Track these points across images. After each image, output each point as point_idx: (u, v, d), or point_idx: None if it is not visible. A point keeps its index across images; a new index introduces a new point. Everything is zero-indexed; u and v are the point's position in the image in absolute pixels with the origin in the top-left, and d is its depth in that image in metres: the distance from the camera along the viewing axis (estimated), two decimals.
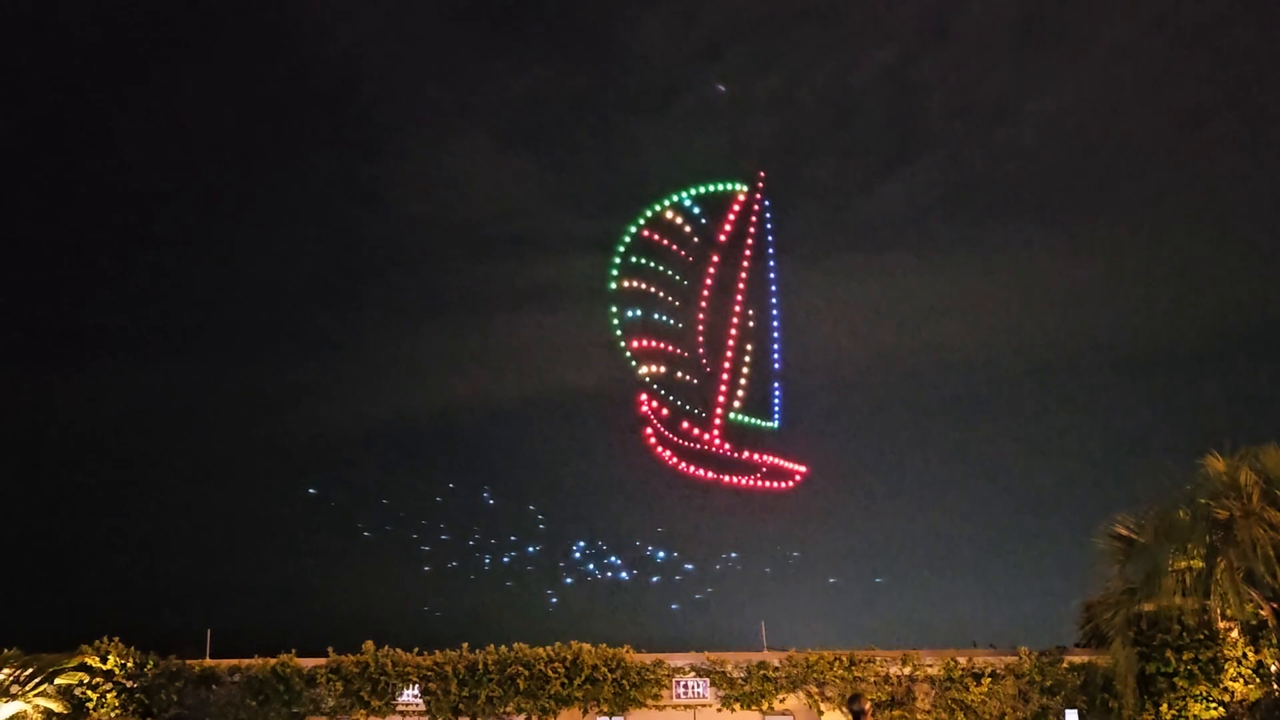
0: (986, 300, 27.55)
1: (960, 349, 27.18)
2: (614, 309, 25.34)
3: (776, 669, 17.05)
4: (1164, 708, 16.09)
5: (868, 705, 12.91)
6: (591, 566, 26.98)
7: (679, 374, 25.54)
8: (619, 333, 25.33)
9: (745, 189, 26.52)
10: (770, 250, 26.68)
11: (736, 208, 26.35)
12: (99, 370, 27.25)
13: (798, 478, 25.64)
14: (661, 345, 25.46)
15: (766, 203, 26.70)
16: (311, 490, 26.76)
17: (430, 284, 28.61)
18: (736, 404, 25.69)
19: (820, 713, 16.92)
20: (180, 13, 28.07)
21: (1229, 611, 14.93)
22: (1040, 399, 26.98)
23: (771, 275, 26.56)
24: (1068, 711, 15.04)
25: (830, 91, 29.44)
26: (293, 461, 27.05)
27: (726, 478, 25.37)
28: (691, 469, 25.23)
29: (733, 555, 26.67)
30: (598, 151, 29.56)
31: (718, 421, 25.51)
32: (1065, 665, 16.87)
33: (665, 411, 25.20)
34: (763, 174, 26.75)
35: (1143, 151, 27.74)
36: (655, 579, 26.93)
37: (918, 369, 27.15)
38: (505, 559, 27.00)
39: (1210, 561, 14.20)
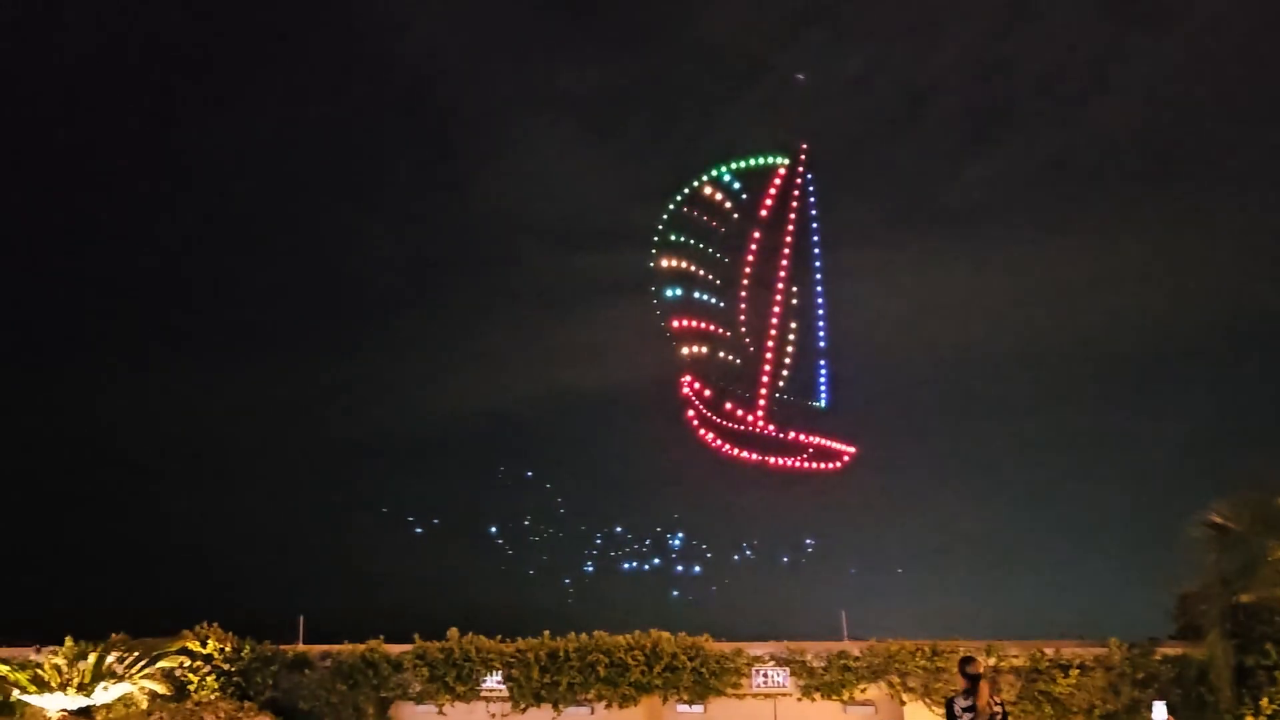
0: (1077, 285, 26.62)
1: (1045, 335, 26.40)
2: (654, 288, 24.96)
3: (857, 659, 16.88)
4: (1264, 702, 15.43)
5: (983, 669, 12.59)
6: (654, 559, 26.96)
7: (721, 354, 24.97)
8: (659, 312, 24.94)
9: (786, 162, 25.78)
10: (814, 225, 25.86)
11: (778, 182, 25.60)
12: (184, 367, 28.31)
13: (846, 458, 24.99)
14: (703, 325, 24.90)
15: (809, 176, 25.89)
16: (396, 483, 27.52)
17: (508, 279, 29.02)
18: (781, 384, 25.05)
19: (902, 703, 16.72)
20: (261, 18, 28.94)
21: None
22: (1137, 387, 25.98)
23: (816, 251, 25.73)
24: (1155, 703, 14.53)
25: (911, 73, 28.78)
26: (376, 455, 27.82)
27: (772, 459, 24.75)
28: (735, 451, 24.71)
29: (809, 542, 26.32)
30: (672, 142, 29.49)
31: (762, 402, 24.88)
32: (1158, 657, 16.35)
33: (708, 393, 24.71)
34: (805, 146, 25.97)
35: (1245, 121, 26.41)
36: (734, 561, 26.65)
37: (999, 357, 26.44)
38: (595, 550, 27.22)
39: None
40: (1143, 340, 25.40)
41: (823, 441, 25.04)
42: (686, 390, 24.78)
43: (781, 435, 24.99)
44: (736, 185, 25.59)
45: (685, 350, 24.88)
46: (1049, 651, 16.52)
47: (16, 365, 26.94)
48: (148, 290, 28.99)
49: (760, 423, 24.93)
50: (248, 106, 29.39)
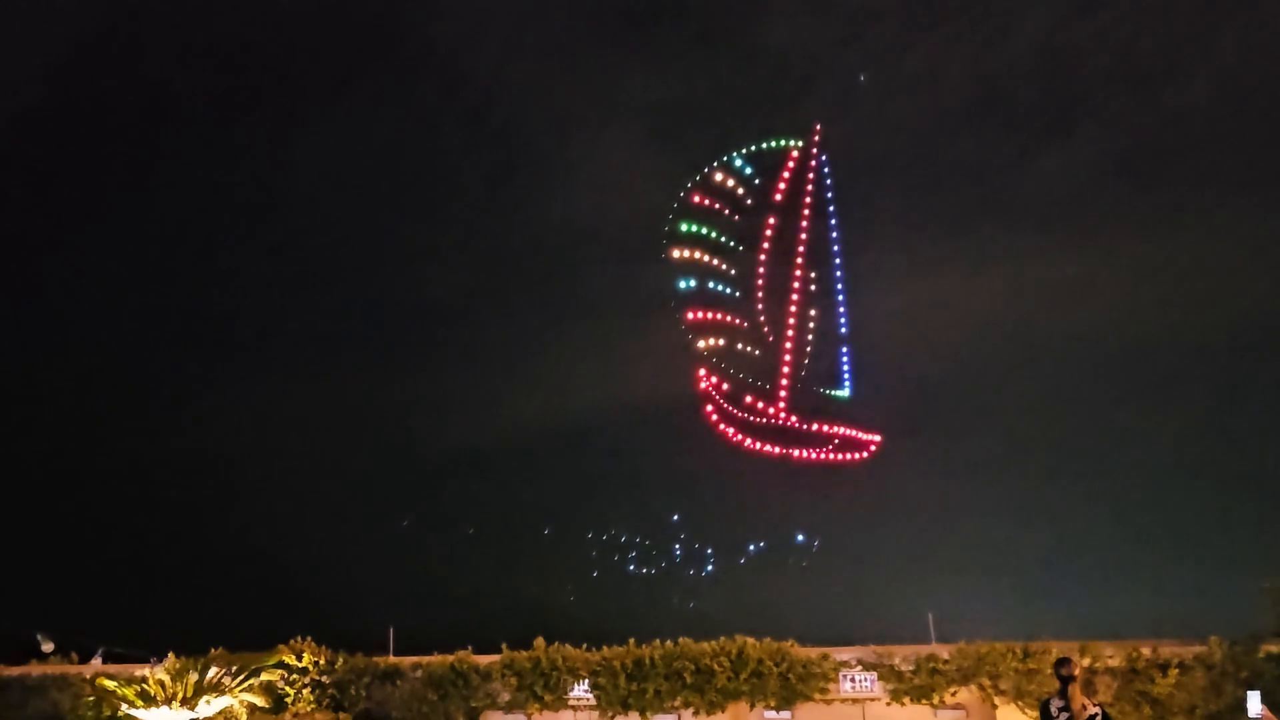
0: (1155, 272, 25.87)
1: (1122, 325, 25.66)
2: (666, 279, 24.29)
3: (946, 661, 16.64)
4: None
5: (1077, 671, 12.32)
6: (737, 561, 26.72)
7: (739, 345, 24.21)
8: (673, 304, 24.19)
9: (799, 144, 24.97)
10: (831, 208, 24.87)
11: (791, 164, 24.77)
12: (270, 388, 29.03)
13: (872, 448, 24.27)
14: (719, 316, 24.13)
15: (824, 158, 24.97)
16: (475, 496, 27.89)
17: (574, 289, 29.20)
18: (802, 374, 24.27)
19: (994, 706, 16.44)
20: (330, 45, 29.69)
21: None
22: (1229, 378, 25.10)
23: (834, 235, 24.70)
24: (1250, 692, 13.99)
25: (978, 65, 28.27)
26: (455, 470, 28.22)
27: (796, 452, 24.01)
28: (758, 445, 24.01)
29: (883, 541, 25.84)
30: (735, 148, 29.37)
31: (783, 393, 24.20)
32: (1261, 655, 15.84)
33: (726, 386, 23.95)
34: (818, 127, 25.08)
35: None
36: (805, 565, 26.30)
37: (1088, 347, 25.79)
38: (677, 557, 27.21)
39: None
40: (1238, 328, 24.60)
41: (847, 431, 24.25)
42: (704, 385, 24.07)
43: (805, 426, 24.28)
44: (749, 170, 24.73)
45: (701, 343, 24.10)
46: (1146, 651, 16.11)
47: (119, 392, 28.05)
48: (233, 315, 29.93)
49: (782, 414, 24.24)
50: (320, 130, 30.20)
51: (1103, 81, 27.54)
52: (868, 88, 27.68)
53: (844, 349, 24.74)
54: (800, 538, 25.96)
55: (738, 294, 24.51)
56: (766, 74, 28.38)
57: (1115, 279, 25.88)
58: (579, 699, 17.41)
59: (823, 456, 24.34)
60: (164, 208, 29.84)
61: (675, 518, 27.37)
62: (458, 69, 29.99)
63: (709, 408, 24.13)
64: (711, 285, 24.45)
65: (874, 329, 25.84)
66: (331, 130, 30.26)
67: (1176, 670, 15.81)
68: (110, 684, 16.25)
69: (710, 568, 26.87)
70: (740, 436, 24.19)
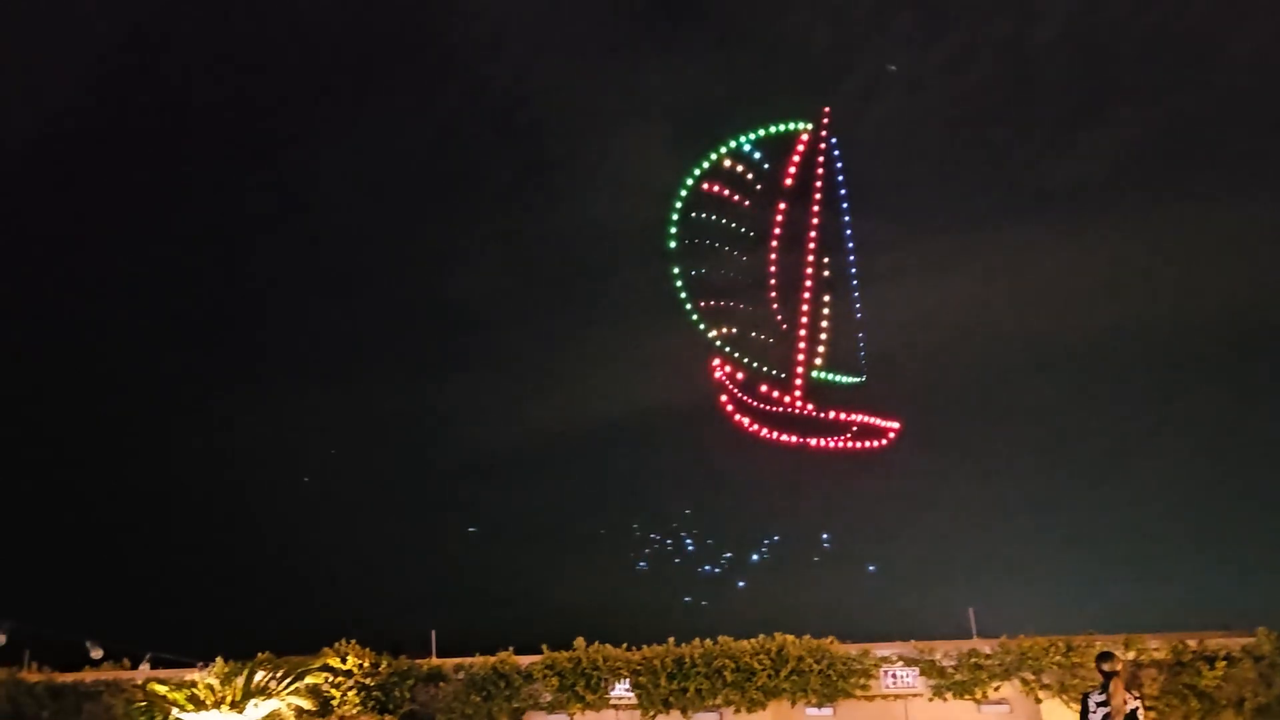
0: (1187, 258, 25.52)
1: (1166, 307, 25.30)
2: (676, 269, 24.17)
3: (988, 656, 16.57)
4: None
5: (1120, 666, 12.28)
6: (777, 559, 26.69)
7: (753, 333, 24.15)
8: (684, 294, 24.12)
9: (809, 128, 24.80)
10: (843, 192, 24.73)
11: (800, 148, 24.60)
12: (300, 391, 29.45)
13: (891, 434, 24.04)
14: (731, 303, 24.13)
15: (834, 140, 24.87)
16: (507, 498, 28.10)
17: (601, 290, 29.30)
18: (818, 360, 24.11)
19: (1038, 700, 16.35)
20: (353, 48, 29.99)
21: None
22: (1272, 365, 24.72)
23: (846, 219, 24.60)
24: None
25: (1011, 49, 27.93)
26: (488, 472, 28.45)
27: (813, 441, 23.88)
28: (774, 434, 23.90)
29: (918, 536, 25.69)
30: (786, 157, 29.21)
31: (799, 381, 24.01)
32: None
33: (740, 375, 23.89)
34: (828, 110, 24.95)
35: None
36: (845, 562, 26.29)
37: (1115, 329, 25.48)
38: (714, 553, 27.25)
39: None
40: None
41: (866, 418, 24.05)
42: (718, 374, 23.93)
43: (822, 414, 24.10)
44: (757, 155, 24.66)
45: (713, 332, 24.07)
46: (1192, 643, 15.94)
47: (157, 398, 28.51)
48: (262, 319, 30.33)
49: (799, 402, 24.05)
50: (345, 134, 30.49)
51: (1137, 60, 27.13)
52: (896, 77, 27.55)
53: (860, 335, 24.71)
54: (825, 536, 26.00)
55: (750, 281, 24.50)
56: (791, 68, 28.33)
57: (1167, 254, 25.51)
58: (620, 698, 17.50)
59: (841, 445, 24.20)
60: (191, 211, 30.33)
61: (706, 516, 27.45)
62: (480, 73, 30.21)
63: (723, 397, 24.02)
64: (723, 272, 24.38)
65: (895, 316, 25.72)
66: (357, 134, 30.59)
67: (1224, 662, 15.61)
68: (161, 688, 16.51)
69: (757, 557, 26.83)
70: (756, 426, 24.10)
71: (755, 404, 24.13)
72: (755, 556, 26.69)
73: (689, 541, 27.00)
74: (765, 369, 24.26)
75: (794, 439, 24.11)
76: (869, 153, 26.35)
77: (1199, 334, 24.59)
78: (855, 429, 24.17)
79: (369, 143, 30.29)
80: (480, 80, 30.18)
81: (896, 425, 24.23)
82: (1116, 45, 27.14)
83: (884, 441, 24.14)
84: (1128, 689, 12.29)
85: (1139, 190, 25.93)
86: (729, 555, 26.85)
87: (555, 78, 29.98)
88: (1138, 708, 12.22)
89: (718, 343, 24.16)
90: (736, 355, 24.14)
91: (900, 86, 27.60)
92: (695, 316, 24.21)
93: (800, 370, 24.19)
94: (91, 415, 28.96)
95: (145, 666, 19.54)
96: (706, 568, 27.01)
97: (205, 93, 30.32)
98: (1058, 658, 16.19)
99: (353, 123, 30.54)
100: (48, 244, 29.23)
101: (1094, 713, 12.27)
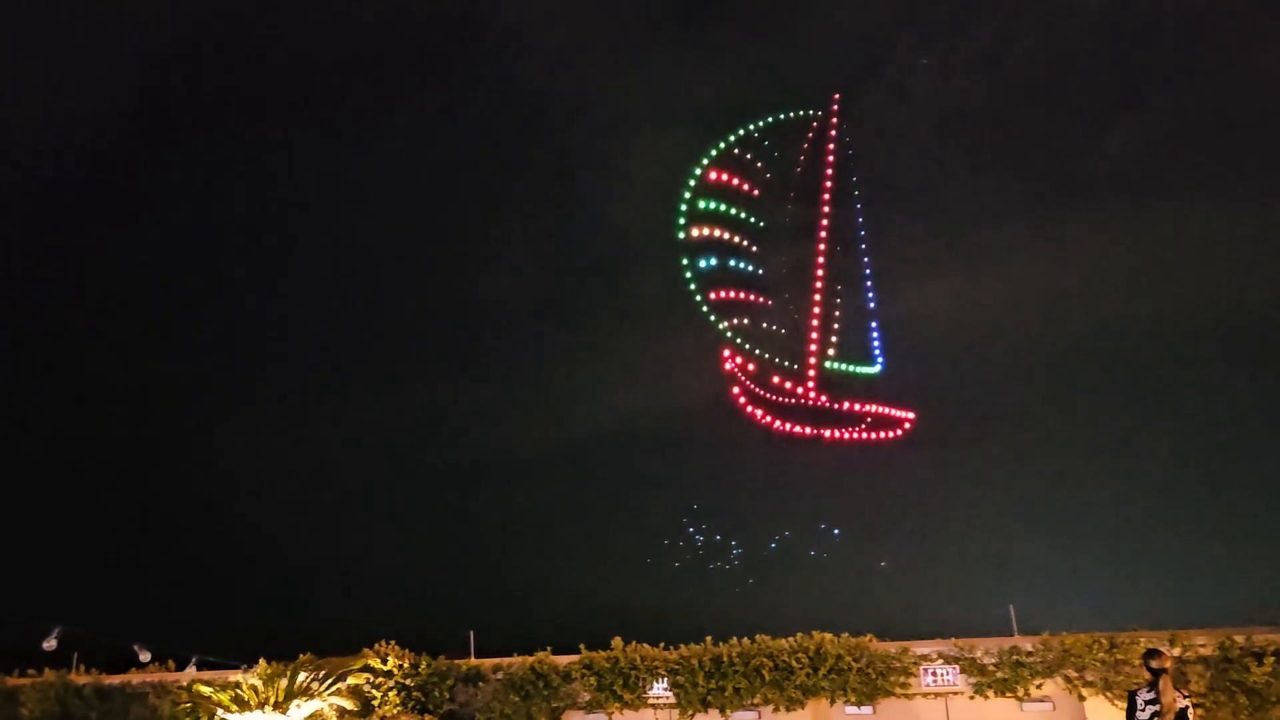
0: (1222, 249, 25.05)
1: (1205, 294, 24.84)
2: (685, 261, 23.91)
3: (1030, 654, 16.38)
4: None
5: (1168, 663, 12.07)
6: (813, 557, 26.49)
7: (765, 324, 23.89)
8: (693, 286, 23.82)
9: (819, 114, 24.56)
10: (854, 179, 24.48)
11: (810, 136, 24.46)
12: (333, 397, 29.74)
13: (906, 425, 23.75)
14: (742, 295, 23.79)
15: (844, 127, 24.64)
16: (540, 499, 28.19)
17: (637, 288, 29.29)
18: (831, 351, 23.79)
19: (1081, 698, 16.14)
20: (382, 52, 30.23)
21: None
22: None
23: (858, 206, 24.31)
24: None
25: (1044, 39, 27.58)
26: (523, 473, 28.59)
27: (828, 432, 23.59)
28: (788, 426, 23.65)
29: (958, 531, 25.35)
30: (797, 145, 29.10)
31: (811, 372, 23.72)
32: None
33: (752, 367, 23.61)
34: (838, 97, 24.79)
35: None
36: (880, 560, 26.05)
37: (1155, 316, 25.06)
38: (740, 551, 27.15)
39: None
40: None
41: (880, 409, 23.81)
42: (729, 366, 23.67)
43: (835, 405, 23.91)
44: (767, 143, 24.51)
45: (724, 323, 23.85)
46: (1239, 639, 15.66)
47: (189, 402, 28.93)
48: (287, 322, 30.67)
49: (812, 393, 23.83)
50: (371, 137, 30.82)
51: (1173, 48, 26.68)
52: (928, 71, 27.29)
53: (873, 324, 24.41)
54: (837, 532, 25.80)
55: (761, 271, 24.20)
56: (823, 64, 28.17)
57: (1196, 248, 25.12)
58: (658, 697, 17.50)
59: (856, 436, 23.98)
60: (222, 215, 30.75)
61: (738, 514, 27.36)
62: (510, 73, 30.35)
63: (736, 390, 23.86)
64: (733, 263, 24.11)
65: (917, 306, 25.42)
66: (389, 137, 30.85)
67: (1273, 658, 15.33)
68: (206, 690, 16.75)
69: (776, 549, 26.68)
70: (769, 418, 23.91)
71: (768, 395, 23.95)
72: (773, 545, 26.31)
73: (720, 541, 26.95)
74: (778, 360, 24.09)
75: (808, 430, 23.93)
76: (893, 143, 26.20)
77: (1248, 318, 24.09)
78: (870, 420, 23.97)
79: (401, 146, 30.63)
80: (507, 84, 30.38)
81: (911, 415, 23.95)
82: (1152, 33, 26.74)
83: (899, 432, 23.86)
84: (1176, 687, 12.10)
85: (1169, 178, 25.58)
86: (776, 541, 26.59)
87: (585, 80, 30.07)
88: (1188, 706, 12.02)
89: (728, 334, 23.99)
90: (747, 346, 23.99)
91: (932, 78, 27.39)
92: (705, 308, 24.06)
93: (813, 361, 23.94)
94: (136, 424, 29.51)
95: (191, 669, 19.86)
96: (736, 562, 26.94)
97: (243, 100, 30.76)
98: (1101, 655, 15.96)
99: (385, 126, 30.95)
100: (77, 245, 29.73)
101: (1142, 711, 12.07)
